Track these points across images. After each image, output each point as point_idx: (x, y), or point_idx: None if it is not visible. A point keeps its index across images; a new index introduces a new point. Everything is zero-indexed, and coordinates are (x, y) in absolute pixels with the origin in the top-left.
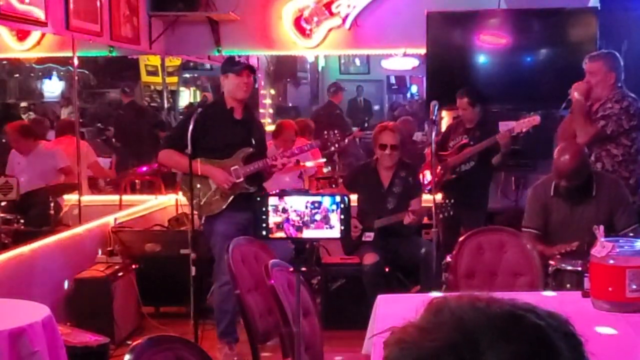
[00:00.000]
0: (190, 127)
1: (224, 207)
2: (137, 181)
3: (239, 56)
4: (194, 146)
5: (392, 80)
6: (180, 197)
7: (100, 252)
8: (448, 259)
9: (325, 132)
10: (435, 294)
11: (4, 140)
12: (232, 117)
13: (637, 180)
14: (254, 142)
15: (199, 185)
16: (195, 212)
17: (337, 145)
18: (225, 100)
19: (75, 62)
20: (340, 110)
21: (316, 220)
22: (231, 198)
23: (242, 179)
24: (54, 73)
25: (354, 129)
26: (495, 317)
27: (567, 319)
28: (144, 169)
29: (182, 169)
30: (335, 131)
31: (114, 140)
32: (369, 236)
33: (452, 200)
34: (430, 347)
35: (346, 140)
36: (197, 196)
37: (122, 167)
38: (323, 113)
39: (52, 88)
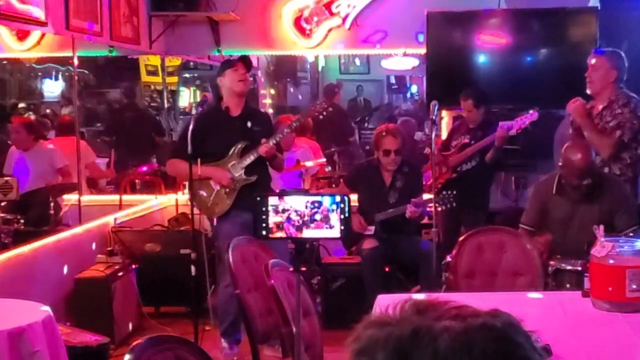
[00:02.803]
0: (191, 126)
1: (230, 204)
2: (137, 181)
3: (232, 56)
4: (197, 154)
5: (392, 80)
6: (180, 197)
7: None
8: (448, 258)
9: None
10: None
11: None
12: (227, 116)
13: None
14: (254, 134)
15: (202, 190)
16: (207, 215)
17: (324, 114)
18: (222, 101)
19: (75, 62)
20: (341, 111)
21: (316, 220)
22: (236, 193)
23: (240, 173)
24: (54, 73)
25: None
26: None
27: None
28: (144, 168)
29: (186, 176)
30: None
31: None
32: (370, 229)
33: (455, 192)
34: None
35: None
36: (204, 200)
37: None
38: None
39: (52, 88)
